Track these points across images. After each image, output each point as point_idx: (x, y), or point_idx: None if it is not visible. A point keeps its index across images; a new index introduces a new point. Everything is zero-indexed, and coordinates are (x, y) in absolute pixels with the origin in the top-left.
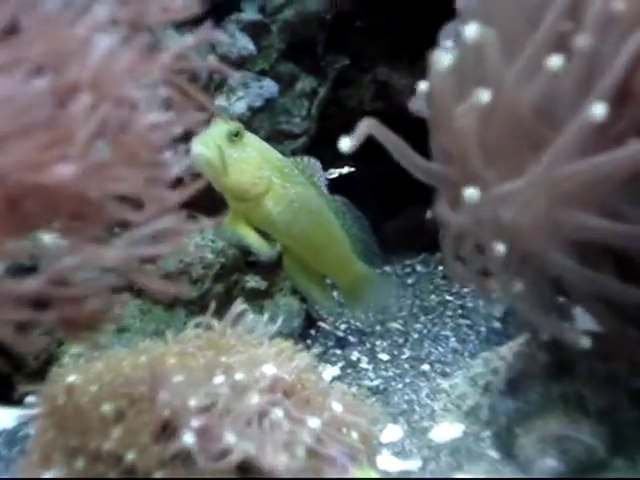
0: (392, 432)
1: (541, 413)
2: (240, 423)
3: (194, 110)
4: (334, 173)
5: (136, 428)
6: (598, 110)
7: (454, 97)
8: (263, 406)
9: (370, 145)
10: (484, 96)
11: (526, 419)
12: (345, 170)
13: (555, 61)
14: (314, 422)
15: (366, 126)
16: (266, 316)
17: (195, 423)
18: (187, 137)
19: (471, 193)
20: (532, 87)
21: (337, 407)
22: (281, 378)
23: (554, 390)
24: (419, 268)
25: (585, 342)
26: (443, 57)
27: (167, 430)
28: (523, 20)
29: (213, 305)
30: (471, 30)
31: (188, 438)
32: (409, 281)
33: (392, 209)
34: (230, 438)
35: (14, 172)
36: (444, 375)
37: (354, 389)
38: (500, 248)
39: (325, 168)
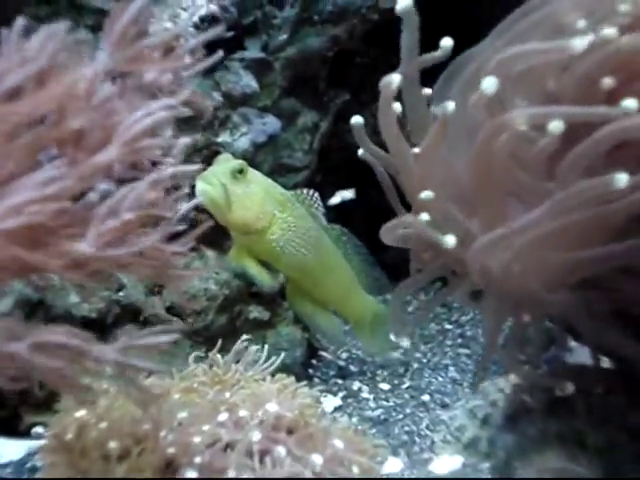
0: (392, 464)
1: (539, 448)
2: (243, 460)
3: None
4: (337, 198)
5: (140, 466)
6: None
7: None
8: (266, 444)
9: (368, 174)
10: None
11: (525, 453)
12: (347, 195)
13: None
14: (316, 459)
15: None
16: (267, 350)
17: (198, 460)
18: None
19: (448, 239)
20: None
21: (339, 444)
22: (284, 415)
23: (552, 425)
24: (421, 296)
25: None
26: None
27: (171, 467)
28: None
29: (219, 343)
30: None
31: (191, 475)
32: (409, 309)
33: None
34: (233, 475)
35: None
36: (444, 406)
37: (355, 419)
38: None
39: (327, 200)
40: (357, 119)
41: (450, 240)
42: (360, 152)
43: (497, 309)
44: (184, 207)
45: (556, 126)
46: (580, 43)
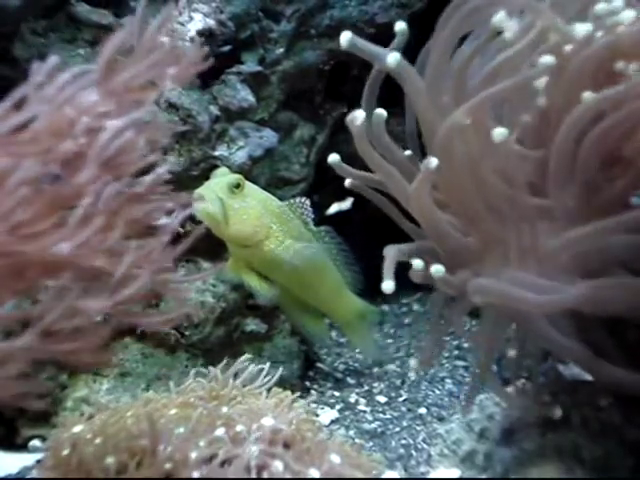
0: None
1: (537, 461)
2: (240, 475)
3: None
4: (333, 208)
5: None
6: None
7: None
8: (263, 458)
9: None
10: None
11: (522, 467)
12: (344, 205)
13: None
14: (313, 474)
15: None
16: (267, 365)
17: (196, 475)
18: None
19: (437, 269)
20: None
21: (335, 459)
22: (280, 430)
23: (549, 439)
24: (416, 307)
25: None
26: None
27: None
28: None
29: (221, 360)
30: None
31: None
32: (406, 321)
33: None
34: None
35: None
36: (440, 419)
37: (352, 432)
38: None
39: (324, 211)
40: (334, 157)
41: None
42: (347, 183)
43: (493, 331)
44: (178, 218)
45: (500, 133)
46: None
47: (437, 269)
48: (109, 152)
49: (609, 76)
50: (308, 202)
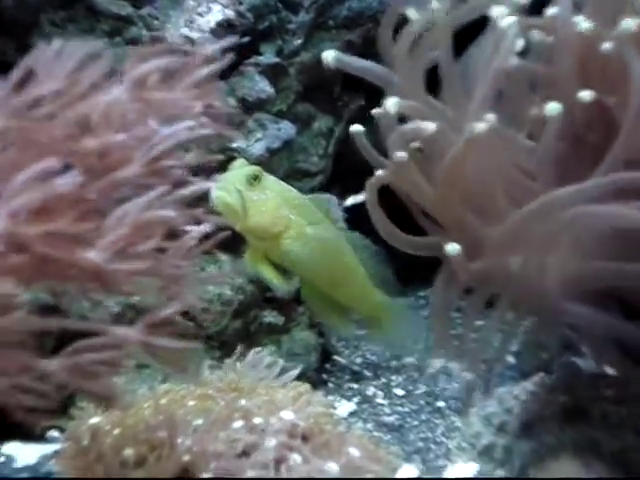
0: (407, 471)
1: (555, 455)
2: (258, 467)
3: None
4: (349, 201)
5: (156, 473)
6: None
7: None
8: (281, 451)
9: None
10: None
11: (540, 461)
12: (360, 197)
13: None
14: (331, 467)
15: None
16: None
17: (214, 467)
18: None
19: (452, 247)
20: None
21: (354, 452)
22: (299, 423)
23: (568, 433)
24: None
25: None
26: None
27: (187, 474)
28: None
29: (237, 350)
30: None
31: None
32: (423, 314)
33: None
34: None
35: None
36: (459, 412)
37: (370, 425)
38: None
39: (340, 203)
40: (357, 127)
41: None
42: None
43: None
44: (201, 227)
45: (555, 108)
46: None
47: (453, 247)
48: (156, 152)
49: None
50: (336, 199)
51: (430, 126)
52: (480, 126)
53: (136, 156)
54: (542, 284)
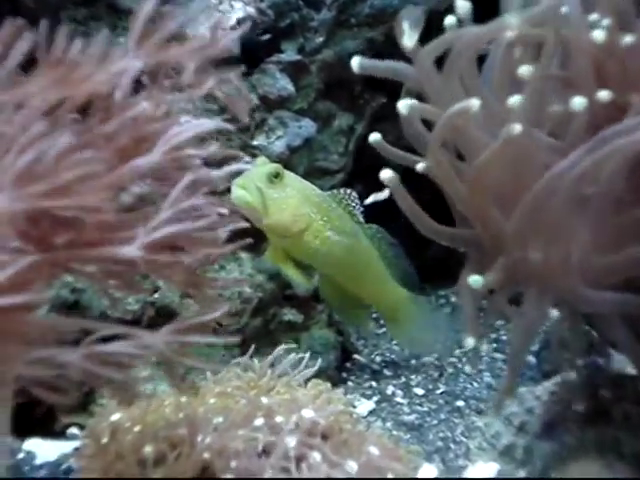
0: (427, 471)
1: (577, 456)
2: (279, 466)
3: None
4: (370, 199)
5: (177, 471)
6: None
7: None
8: (301, 449)
9: (405, 173)
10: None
11: (561, 462)
12: (381, 195)
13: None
14: (351, 466)
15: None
16: (306, 355)
17: (234, 465)
18: None
19: (475, 280)
20: None
21: (374, 451)
22: (319, 421)
23: (590, 433)
24: (454, 299)
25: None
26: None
27: (207, 472)
28: None
29: (253, 347)
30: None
31: None
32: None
33: (426, 238)
34: None
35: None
36: (479, 412)
37: (389, 424)
38: None
39: (362, 201)
40: (376, 136)
41: None
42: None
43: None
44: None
45: (580, 103)
46: None
47: (475, 280)
48: (178, 141)
49: None
50: (355, 194)
51: (475, 102)
52: (517, 127)
53: (157, 145)
54: (567, 272)
